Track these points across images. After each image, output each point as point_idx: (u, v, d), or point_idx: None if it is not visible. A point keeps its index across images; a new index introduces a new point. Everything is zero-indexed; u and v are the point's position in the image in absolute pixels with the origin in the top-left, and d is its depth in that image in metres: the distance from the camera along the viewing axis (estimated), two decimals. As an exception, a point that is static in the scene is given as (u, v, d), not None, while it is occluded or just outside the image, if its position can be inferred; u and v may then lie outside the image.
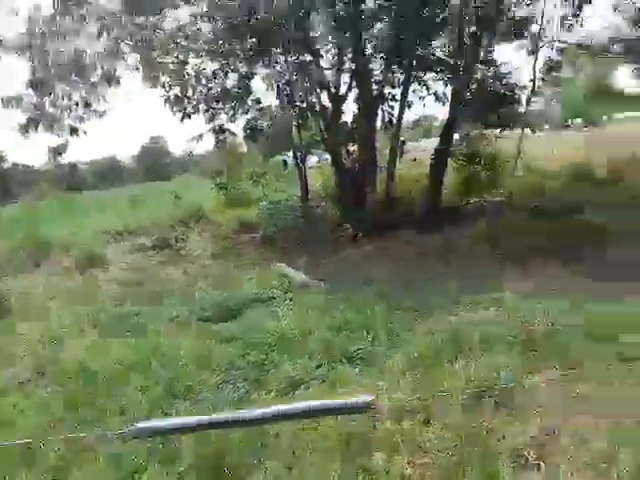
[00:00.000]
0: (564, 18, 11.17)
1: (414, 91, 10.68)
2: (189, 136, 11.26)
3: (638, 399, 2.97)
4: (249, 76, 10.49)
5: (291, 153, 12.69)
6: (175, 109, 10.12)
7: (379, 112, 10.75)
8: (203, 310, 6.10)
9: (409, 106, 10.63)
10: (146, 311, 6.35)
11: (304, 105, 10.57)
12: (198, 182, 21.94)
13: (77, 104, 8.57)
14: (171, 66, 10.00)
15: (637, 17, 10.87)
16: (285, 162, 16.23)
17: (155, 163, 46.89)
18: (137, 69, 9.20)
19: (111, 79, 8.42)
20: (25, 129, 8.20)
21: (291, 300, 6.19)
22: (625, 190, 9.94)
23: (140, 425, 1.24)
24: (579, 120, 44.01)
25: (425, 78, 10.72)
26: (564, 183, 11.70)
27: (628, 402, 2.97)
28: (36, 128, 8.26)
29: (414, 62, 10.30)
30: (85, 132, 8.71)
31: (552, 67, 12.73)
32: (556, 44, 12.10)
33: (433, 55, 10.68)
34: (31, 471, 3.02)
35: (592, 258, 6.35)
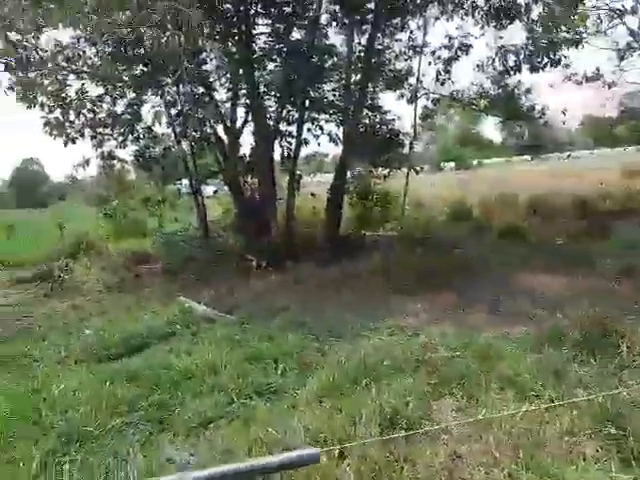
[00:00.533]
0: (438, 73, 12.53)
1: (309, 130, 11.24)
2: (73, 161, 10.67)
3: (531, 427, 3.28)
4: (138, 103, 10.26)
5: (185, 182, 12.54)
6: (56, 133, 9.49)
7: (277, 146, 11.10)
8: (98, 346, 5.67)
9: (306, 143, 11.12)
10: (33, 350, 5.76)
11: (199, 135, 10.57)
12: (81, 210, 20.49)
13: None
14: (50, 88, 9.42)
15: (498, 78, 12.52)
16: (179, 191, 15.91)
17: (30, 188, 42.67)
18: (11, 89, 8.51)
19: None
20: None
21: (195, 334, 6.01)
22: (495, 228, 11.16)
23: None
24: (452, 163, 48.84)
25: (319, 118, 11.32)
26: (445, 220, 12.84)
27: (520, 428, 3.28)
28: None
29: (306, 103, 10.82)
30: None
31: (428, 115, 14.13)
32: (431, 95, 13.48)
33: (325, 98, 11.34)
34: None
35: (470, 289, 7.00)
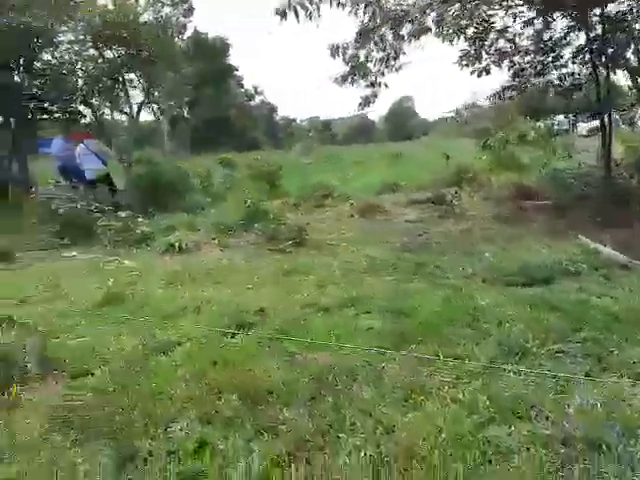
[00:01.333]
0: None
1: None
2: (487, 92, 10.53)
3: None
4: (573, 26, 9.22)
5: (560, 117, 11.11)
6: (467, 63, 9.42)
7: None
8: (500, 271, 5.78)
9: None
10: (439, 263, 6.36)
11: (623, 59, 8.98)
12: (447, 143, 21.47)
13: (388, 57, 8.63)
14: (465, 21, 9.34)
15: None
16: (552, 126, 14.88)
17: (401, 123, 47.84)
18: (440, 21, 8.79)
19: (422, 33, 8.19)
20: (343, 80, 8.59)
21: (608, 278, 5.43)
22: None
23: None
24: None
25: None
26: None
27: None
28: (351, 80, 8.59)
29: None
30: (386, 85, 8.79)
31: None
32: None
33: None
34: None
35: None
